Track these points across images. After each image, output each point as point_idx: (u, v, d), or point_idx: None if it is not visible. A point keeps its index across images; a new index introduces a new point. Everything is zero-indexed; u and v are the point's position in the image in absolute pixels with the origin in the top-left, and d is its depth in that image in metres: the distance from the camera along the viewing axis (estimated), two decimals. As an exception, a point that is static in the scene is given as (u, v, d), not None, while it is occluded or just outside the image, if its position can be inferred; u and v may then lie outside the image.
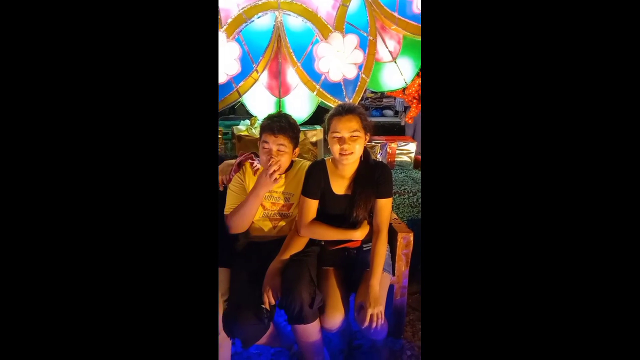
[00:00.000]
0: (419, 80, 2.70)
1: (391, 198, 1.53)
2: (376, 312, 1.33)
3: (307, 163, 1.66)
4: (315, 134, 2.34)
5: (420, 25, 2.09)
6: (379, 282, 1.42)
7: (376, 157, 2.45)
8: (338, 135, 1.43)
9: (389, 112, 6.23)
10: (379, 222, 1.51)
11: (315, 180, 1.53)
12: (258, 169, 1.61)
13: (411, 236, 1.64)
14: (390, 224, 1.64)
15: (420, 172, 2.43)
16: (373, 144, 2.49)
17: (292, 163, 1.63)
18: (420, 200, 2.17)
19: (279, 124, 1.50)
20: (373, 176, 1.50)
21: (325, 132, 1.52)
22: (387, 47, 2.24)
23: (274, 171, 1.47)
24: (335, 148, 1.44)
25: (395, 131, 4.86)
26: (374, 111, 6.25)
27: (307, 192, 1.53)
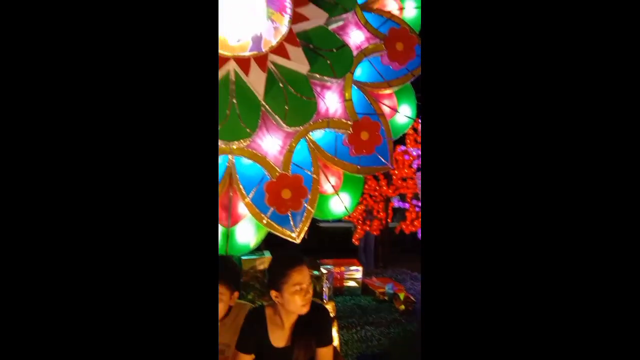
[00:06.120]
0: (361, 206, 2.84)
1: (332, 345, 1.39)
2: None
3: (248, 307, 1.52)
4: (262, 261, 2.48)
5: (355, 165, 2.55)
6: None
7: (322, 287, 2.49)
8: (300, 286, 1.27)
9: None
10: None
11: (252, 332, 1.35)
12: None
13: None
14: None
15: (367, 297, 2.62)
16: (319, 272, 2.53)
17: (230, 309, 1.49)
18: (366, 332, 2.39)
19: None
20: (313, 323, 1.34)
21: (275, 285, 1.31)
22: (329, 182, 2.65)
23: None
24: (298, 301, 1.28)
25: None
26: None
27: (241, 346, 1.33)
